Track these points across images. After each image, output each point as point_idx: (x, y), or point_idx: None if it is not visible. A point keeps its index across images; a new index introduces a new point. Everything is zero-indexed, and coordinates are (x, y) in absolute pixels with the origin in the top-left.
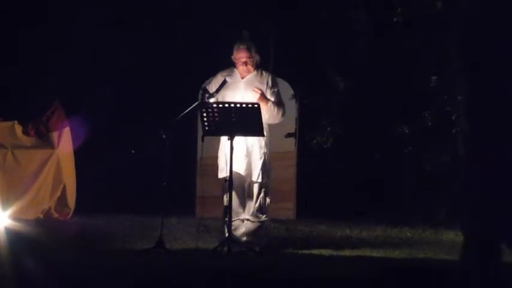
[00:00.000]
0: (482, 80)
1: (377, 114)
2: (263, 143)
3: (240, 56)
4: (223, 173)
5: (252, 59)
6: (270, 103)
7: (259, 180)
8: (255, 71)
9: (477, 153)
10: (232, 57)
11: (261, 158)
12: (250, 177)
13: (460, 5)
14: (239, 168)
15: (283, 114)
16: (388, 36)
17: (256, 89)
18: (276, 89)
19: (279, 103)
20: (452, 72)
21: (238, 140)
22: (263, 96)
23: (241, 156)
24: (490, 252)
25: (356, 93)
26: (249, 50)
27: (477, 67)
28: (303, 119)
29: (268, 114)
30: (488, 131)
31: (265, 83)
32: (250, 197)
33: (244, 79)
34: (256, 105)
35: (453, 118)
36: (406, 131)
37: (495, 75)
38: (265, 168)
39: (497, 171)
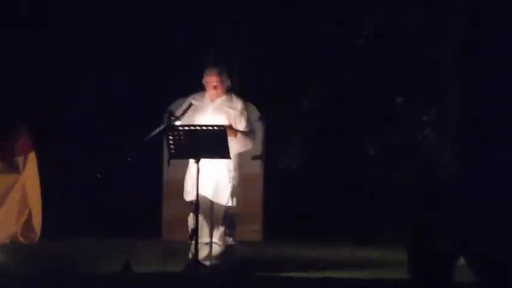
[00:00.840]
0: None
1: (343, 134)
2: (232, 166)
3: (210, 79)
4: (190, 196)
5: (222, 84)
6: (239, 134)
7: (228, 204)
8: (225, 96)
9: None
10: (203, 80)
11: (229, 182)
12: (217, 201)
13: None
14: (205, 191)
15: (253, 141)
16: (356, 53)
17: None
18: (246, 115)
19: (248, 132)
20: (418, 92)
21: (206, 162)
22: (231, 128)
23: (208, 179)
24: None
25: (322, 114)
26: (219, 74)
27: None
28: (269, 141)
29: (238, 145)
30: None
31: (235, 108)
32: (217, 220)
33: (214, 103)
34: (222, 128)
35: (419, 137)
36: (372, 152)
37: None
38: (234, 192)
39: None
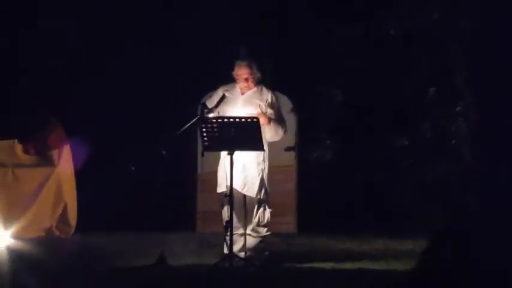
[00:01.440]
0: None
1: (376, 126)
2: (261, 158)
3: (241, 72)
4: (221, 187)
5: (252, 76)
6: (272, 122)
7: (258, 196)
8: (256, 88)
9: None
10: (233, 73)
11: (259, 174)
12: (247, 193)
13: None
14: (236, 184)
15: (284, 132)
16: (386, 48)
17: (257, 111)
18: (276, 106)
19: (279, 121)
20: (451, 82)
21: (235, 155)
22: (264, 115)
23: (238, 172)
24: None
25: (355, 106)
26: (250, 66)
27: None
28: (302, 133)
29: (270, 133)
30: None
31: (265, 100)
32: (250, 212)
33: (244, 95)
34: (255, 119)
35: (452, 129)
36: (406, 143)
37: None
38: (263, 184)
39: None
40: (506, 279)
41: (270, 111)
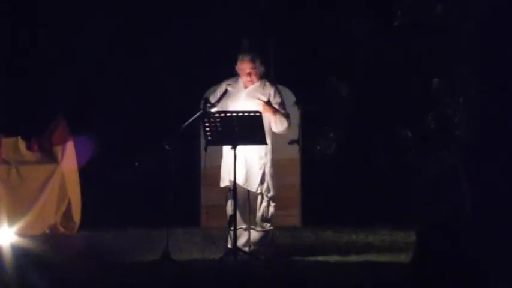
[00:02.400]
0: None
1: (379, 118)
2: (263, 153)
3: (244, 66)
4: (225, 182)
5: (256, 70)
6: (277, 113)
7: (259, 190)
8: (259, 82)
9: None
10: (236, 67)
11: (260, 169)
12: (248, 187)
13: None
14: (238, 178)
15: (289, 125)
16: (390, 40)
17: (261, 99)
18: (280, 100)
19: (284, 114)
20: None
21: (238, 150)
22: (269, 105)
23: (239, 166)
24: None
25: (358, 99)
26: (253, 60)
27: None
28: (305, 126)
29: (276, 124)
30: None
31: (268, 94)
32: (254, 206)
33: (247, 89)
34: (258, 114)
35: (456, 120)
36: (409, 135)
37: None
38: (265, 179)
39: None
40: (495, 273)
41: (273, 104)
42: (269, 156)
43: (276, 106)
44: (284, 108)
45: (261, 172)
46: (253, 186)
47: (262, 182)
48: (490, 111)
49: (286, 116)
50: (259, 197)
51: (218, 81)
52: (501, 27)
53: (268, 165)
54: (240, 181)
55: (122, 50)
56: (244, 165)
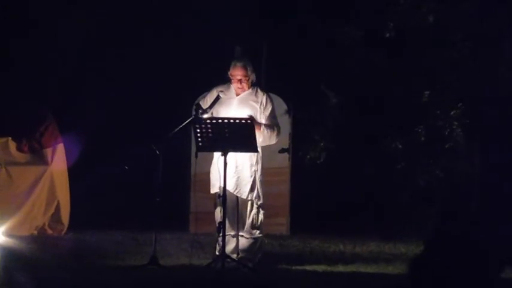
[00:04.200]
0: None
1: (370, 129)
2: (254, 160)
3: (236, 73)
4: (214, 188)
5: (247, 77)
6: (262, 127)
7: (249, 198)
8: (250, 89)
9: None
10: (229, 73)
11: (251, 176)
12: (239, 194)
13: None
14: (228, 185)
15: (277, 135)
16: (381, 51)
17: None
18: (270, 109)
19: (272, 125)
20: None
21: (229, 156)
22: (255, 122)
23: (230, 173)
24: None
25: (349, 108)
26: (245, 68)
27: None
28: (296, 134)
29: (262, 138)
30: None
31: (260, 102)
32: (243, 213)
33: (239, 96)
34: (249, 121)
35: (446, 133)
36: (400, 146)
37: None
38: (255, 186)
39: None
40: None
41: (264, 113)
42: (260, 164)
43: (267, 115)
44: (274, 118)
45: (251, 179)
46: (244, 193)
47: (252, 189)
48: None
49: (274, 127)
50: (249, 204)
51: (210, 88)
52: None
53: (259, 172)
54: (230, 188)
55: (113, 51)
56: (235, 172)
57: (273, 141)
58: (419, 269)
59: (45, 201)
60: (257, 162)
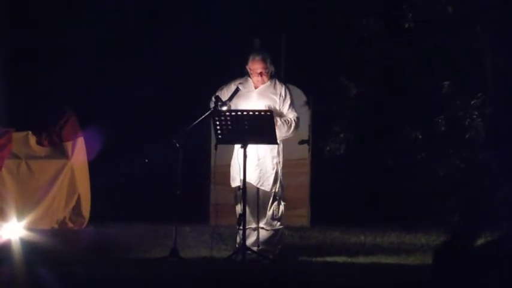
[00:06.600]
0: None
1: (390, 119)
2: (275, 152)
3: (256, 66)
4: (235, 182)
5: (267, 70)
6: (279, 122)
7: (273, 190)
8: (269, 82)
9: None
10: (247, 67)
11: (273, 168)
12: (262, 187)
13: None
14: (250, 178)
15: (296, 127)
16: (400, 41)
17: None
18: (289, 101)
19: (289, 118)
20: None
21: (250, 149)
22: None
23: (252, 165)
24: None
25: (369, 99)
26: (264, 61)
27: None
28: (316, 126)
29: (279, 132)
30: None
31: (279, 94)
32: (264, 205)
33: (258, 89)
34: (269, 113)
35: (466, 123)
36: (420, 137)
37: None
38: (277, 178)
39: None
40: None
41: (283, 105)
42: (281, 156)
43: (286, 107)
44: (293, 109)
45: (274, 172)
46: (268, 186)
47: (275, 181)
48: None
49: (292, 121)
50: (270, 196)
51: (227, 80)
52: None
53: (281, 165)
54: (253, 181)
55: (132, 44)
56: (257, 165)
57: (291, 133)
58: (443, 260)
59: (66, 195)
60: (278, 154)
